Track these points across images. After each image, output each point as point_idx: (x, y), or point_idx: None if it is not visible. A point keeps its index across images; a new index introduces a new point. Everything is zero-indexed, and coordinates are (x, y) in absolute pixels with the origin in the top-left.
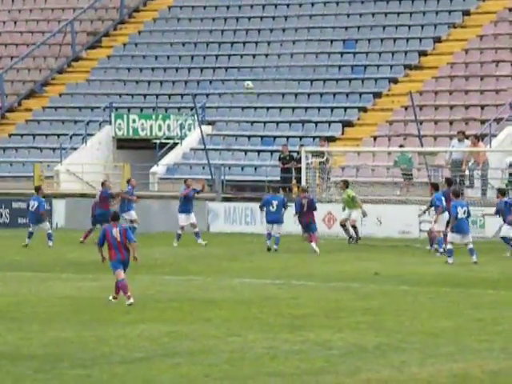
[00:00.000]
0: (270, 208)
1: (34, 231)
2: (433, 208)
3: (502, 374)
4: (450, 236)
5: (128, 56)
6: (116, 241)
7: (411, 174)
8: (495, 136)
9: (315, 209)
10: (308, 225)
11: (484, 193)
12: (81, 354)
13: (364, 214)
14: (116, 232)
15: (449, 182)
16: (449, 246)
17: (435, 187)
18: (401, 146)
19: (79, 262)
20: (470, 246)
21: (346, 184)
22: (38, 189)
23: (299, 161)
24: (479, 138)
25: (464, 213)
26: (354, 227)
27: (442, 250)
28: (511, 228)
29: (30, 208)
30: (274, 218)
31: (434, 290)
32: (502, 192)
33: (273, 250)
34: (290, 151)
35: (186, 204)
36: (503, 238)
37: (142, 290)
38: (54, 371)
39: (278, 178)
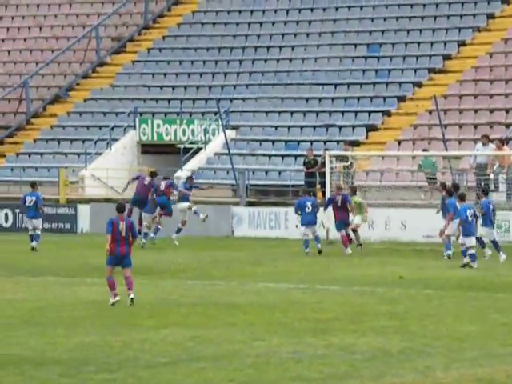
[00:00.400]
0: (306, 210)
1: (32, 231)
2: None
3: None
4: (467, 240)
5: (152, 61)
6: (120, 235)
7: (435, 178)
8: None
9: (350, 203)
10: (341, 222)
11: (509, 196)
12: (105, 358)
13: (364, 220)
14: (122, 226)
15: (455, 186)
16: (472, 251)
17: (449, 192)
18: (424, 150)
19: (103, 266)
20: (472, 251)
21: (353, 190)
22: (33, 185)
23: (323, 165)
24: (504, 141)
25: (471, 215)
26: (355, 231)
27: (447, 253)
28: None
29: (28, 203)
30: (310, 220)
31: (459, 294)
32: None
33: (315, 251)
34: (314, 155)
35: (184, 199)
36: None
37: (166, 295)
38: (78, 376)
39: (302, 183)
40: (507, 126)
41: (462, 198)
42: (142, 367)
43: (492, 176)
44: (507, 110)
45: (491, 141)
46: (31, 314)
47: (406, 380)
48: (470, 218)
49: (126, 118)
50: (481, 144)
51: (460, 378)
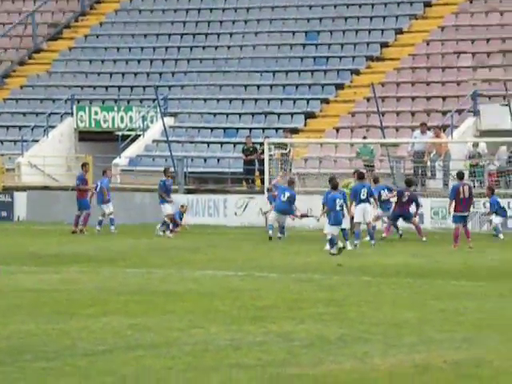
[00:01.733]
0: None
1: None
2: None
3: (463, 365)
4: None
5: (89, 48)
6: None
7: (373, 166)
8: (457, 127)
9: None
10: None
11: (446, 184)
12: (43, 346)
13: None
14: None
15: (360, 174)
16: (330, 237)
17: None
18: (364, 137)
19: (40, 254)
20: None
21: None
22: None
23: (262, 152)
24: (441, 128)
25: (340, 205)
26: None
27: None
28: None
29: None
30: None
31: (397, 281)
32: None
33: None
34: (253, 143)
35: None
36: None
37: (104, 283)
38: (15, 364)
39: (241, 170)
40: (444, 113)
41: (335, 187)
42: (79, 355)
43: (429, 163)
44: (444, 98)
45: (429, 129)
46: None
47: (345, 366)
48: (338, 207)
49: (64, 104)
50: (419, 131)
51: (398, 364)
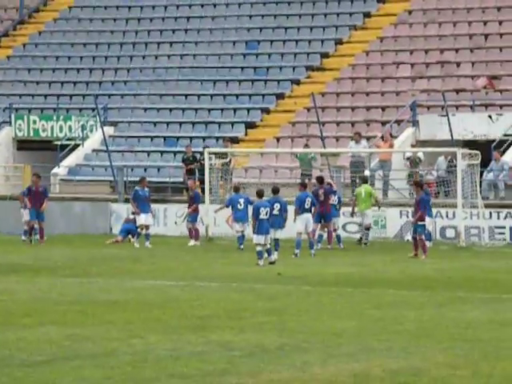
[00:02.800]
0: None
1: None
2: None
3: (401, 373)
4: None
5: (28, 56)
6: None
7: (310, 174)
8: (396, 137)
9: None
10: (324, 214)
11: (385, 193)
12: None
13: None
14: None
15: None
16: (259, 248)
17: (303, 186)
18: (306, 145)
19: None
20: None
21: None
22: None
23: (202, 162)
24: (391, 135)
25: (265, 214)
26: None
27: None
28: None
29: None
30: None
31: (337, 291)
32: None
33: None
34: (193, 152)
35: (144, 204)
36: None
37: (43, 293)
38: None
39: (181, 179)
40: (383, 123)
41: (260, 195)
42: (16, 366)
43: (367, 173)
44: (383, 108)
45: (362, 138)
46: None
47: (284, 376)
48: (262, 216)
49: (2, 113)
50: (354, 142)
51: (337, 373)
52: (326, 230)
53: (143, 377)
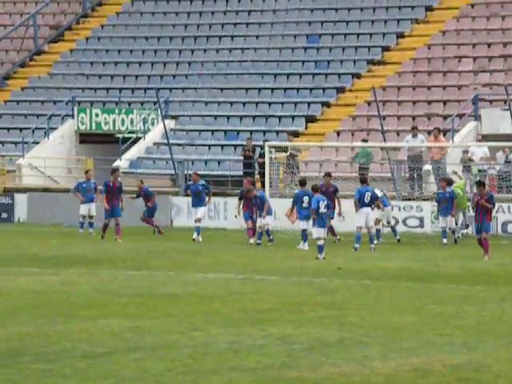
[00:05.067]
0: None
1: None
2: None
3: (463, 369)
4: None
5: (91, 50)
6: None
7: (368, 168)
8: (458, 131)
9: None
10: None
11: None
12: (42, 348)
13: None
14: None
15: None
16: (320, 242)
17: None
18: (364, 140)
19: (41, 256)
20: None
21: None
22: None
23: (263, 155)
24: (439, 130)
25: (325, 207)
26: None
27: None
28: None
29: None
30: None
31: (397, 285)
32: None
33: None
34: (254, 145)
35: (196, 198)
36: None
37: (105, 285)
38: (15, 366)
39: (241, 173)
40: (445, 117)
41: (315, 190)
42: (79, 357)
43: (427, 167)
44: (444, 102)
45: (419, 132)
46: None
47: (344, 370)
48: (322, 210)
49: (64, 106)
50: (410, 136)
51: (397, 368)
52: (381, 224)
53: (204, 369)
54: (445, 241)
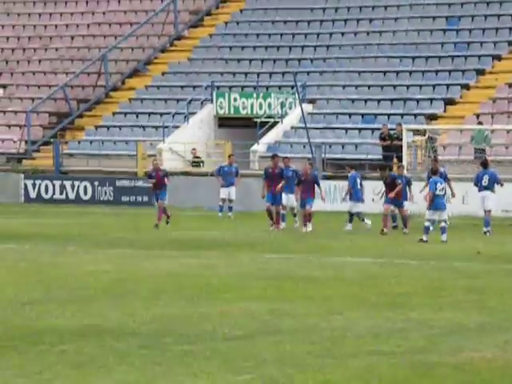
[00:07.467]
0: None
1: None
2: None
3: None
4: (428, 213)
5: (230, 34)
6: None
7: (484, 150)
8: None
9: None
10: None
11: None
12: (184, 330)
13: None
14: None
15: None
16: (426, 224)
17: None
18: (479, 123)
19: (181, 239)
20: (443, 224)
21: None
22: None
23: (399, 139)
24: None
25: (441, 190)
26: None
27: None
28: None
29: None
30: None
31: None
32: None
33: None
34: (389, 129)
35: (228, 179)
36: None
37: (243, 268)
38: (158, 347)
39: (380, 157)
40: None
41: (435, 172)
42: (219, 340)
43: None
44: None
45: None
46: (111, 285)
47: (485, 355)
48: (438, 192)
49: (204, 91)
50: None
51: None
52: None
53: (343, 353)
54: None
